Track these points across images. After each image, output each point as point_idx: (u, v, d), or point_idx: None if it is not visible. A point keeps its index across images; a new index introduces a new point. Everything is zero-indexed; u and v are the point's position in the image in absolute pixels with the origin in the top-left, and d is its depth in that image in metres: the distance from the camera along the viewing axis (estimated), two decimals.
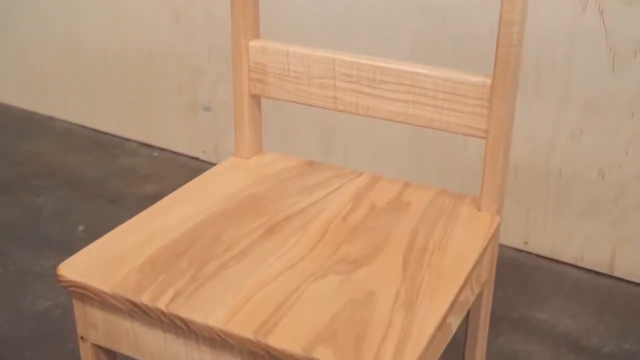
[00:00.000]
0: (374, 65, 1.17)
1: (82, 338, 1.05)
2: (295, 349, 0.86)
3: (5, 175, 2.38)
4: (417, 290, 0.97)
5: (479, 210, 1.17)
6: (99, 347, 1.05)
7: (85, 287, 0.98)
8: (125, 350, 1.02)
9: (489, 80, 1.09)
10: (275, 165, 1.29)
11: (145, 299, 0.95)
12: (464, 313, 1.10)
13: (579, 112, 1.81)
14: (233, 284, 0.97)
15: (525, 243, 1.99)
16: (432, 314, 0.93)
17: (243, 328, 0.89)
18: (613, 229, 1.87)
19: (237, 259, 1.03)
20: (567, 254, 1.95)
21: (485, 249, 1.10)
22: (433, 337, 0.91)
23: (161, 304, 0.94)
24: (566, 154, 1.86)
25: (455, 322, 1.05)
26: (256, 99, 1.29)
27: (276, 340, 0.88)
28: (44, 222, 2.11)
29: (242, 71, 1.25)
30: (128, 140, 2.63)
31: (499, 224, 1.15)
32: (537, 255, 1.99)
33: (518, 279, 1.89)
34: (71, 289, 1.00)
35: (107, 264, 1.01)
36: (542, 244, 1.97)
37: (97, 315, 1.01)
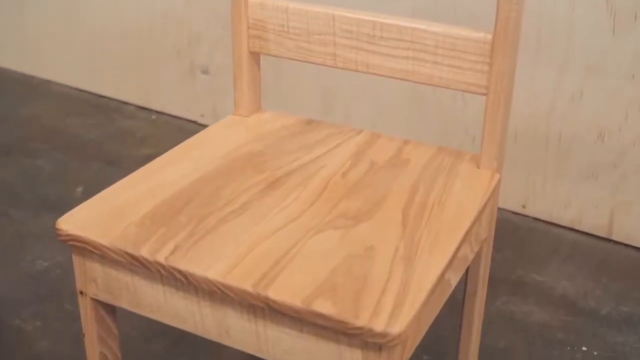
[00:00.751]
0: (374, 21, 1.16)
1: (81, 293, 1.05)
2: (295, 301, 0.87)
3: (4, 138, 2.38)
4: (416, 245, 0.97)
5: (478, 167, 1.16)
6: (98, 302, 1.05)
7: (84, 241, 0.98)
8: (124, 305, 1.02)
9: (489, 36, 1.09)
10: (275, 123, 1.29)
11: (144, 252, 0.95)
12: (463, 270, 1.10)
13: (579, 75, 1.80)
14: (232, 237, 0.97)
15: (524, 206, 1.99)
16: (431, 268, 0.93)
17: (242, 281, 0.89)
18: (612, 193, 1.87)
19: (236, 213, 1.02)
20: (566, 218, 1.95)
21: (484, 206, 1.10)
22: (432, 292, 0.91)
23: (160, 257, 0.94)
24: (566, 117, 1.85)
25: (454, 279, 1.05)
26: (255, 56, 1.28)
27: (276, 293, 0.88)
28: (43, 184, 2.11)
29: (241, 28, 1.25)
30: (126, 103, 2.62)
31: (499, 182, 1.15)
32: (536, 219, 1.99)
33: (516, 242, 1.90)
34: (70, 243, 1.00)
35: (106, 218, 1.01)
36: (541, 208, 1.97)
37: (96, 269, 1.01)
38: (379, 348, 0.85)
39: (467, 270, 1.24)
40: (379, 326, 0.83)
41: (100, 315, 1.06)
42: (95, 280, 1.02)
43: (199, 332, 0.97)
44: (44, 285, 1.70)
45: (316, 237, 0.98)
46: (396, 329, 0.83)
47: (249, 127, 1.27)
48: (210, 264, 0.92)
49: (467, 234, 1.03)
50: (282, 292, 0.88)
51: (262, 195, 1.07)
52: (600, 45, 1.75)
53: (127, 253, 0.95)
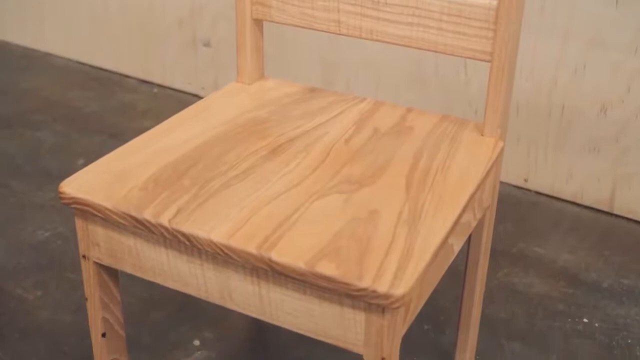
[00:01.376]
0: None
1: (84, 257, 1.05)
2: (299, 263, 0.86)
3: (4, 111, 2.37)
4: (419, 209, 0.97)
5: (482, 135, 1.16)
6: (100, 266, 1.05)
7: (87, 204, 0.98)
8: (127, 268, 1.02)
9: (494, 2, 1.08)
10: (277, 90, 1.28)
11: (147, 214, 0.94)
12: (466, 237, 1.10)
13: (582, 48, 1.80)
14: (236, 201, 0.97)
15: (525, 180, 1.99)
16: (435, 232, 0.93)
17: (246, 243, 0.89)
18: (614, 166, 1.86)
19: (239, 178, 1.02)
20: (567, 191, 1.95)
21: (487, 173, 1.09)
22: (435, 255, 0.91)
23: (164, 220, 0.93)
24: (568, 90, 1.85)
25: (457, 245, 1.05)
26: (258, 23, 1.27)
27: (279, 255, 0.88)
28: (44, 156, 2.11)
29: None
30: (127, 77, 2.62)
31: (502, 149, 1.15)
32: (537, 193, 1.99)
33: (518, 216, 1.90)
34: (73, 206, 1.00)
35: (109, 181, 1.01)
36: (542, 181, 1.97)
37: (99, 232, 1.01)
38: (382, 310, 0.85)
39: (469, 240, 1.24)
40: (382, 287, 0.83)
41: (103, 280, 1.06)
42: (98, 244, 1.02)
43: (202, 296, 0.97)
44: (45, 255, 1.70)
45: (319, 201, 0.98)
46: (400, 290, 0.83)
47: (251, 94, 1.26)
48: (214, 227, 0.92)
49: (470, 199, 1.03)
50: (286, 254, 0.88)
51: (264, 161, 1.07)
52: (603, 18, 1.75)
53: (130, 216, 0.95)
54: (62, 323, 1.50)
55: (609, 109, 1.82)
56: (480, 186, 1.07)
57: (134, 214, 0.95)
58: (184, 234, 0.92)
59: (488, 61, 1.12)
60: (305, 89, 1.29)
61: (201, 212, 0.94)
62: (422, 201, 0.99)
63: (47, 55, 2.76)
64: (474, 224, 1.12)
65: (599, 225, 1.87)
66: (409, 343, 1.47)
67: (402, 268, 0.86)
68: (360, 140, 1.13)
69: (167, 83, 2.54)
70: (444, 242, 0.94)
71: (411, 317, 0.93)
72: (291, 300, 0.90)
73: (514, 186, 2.01)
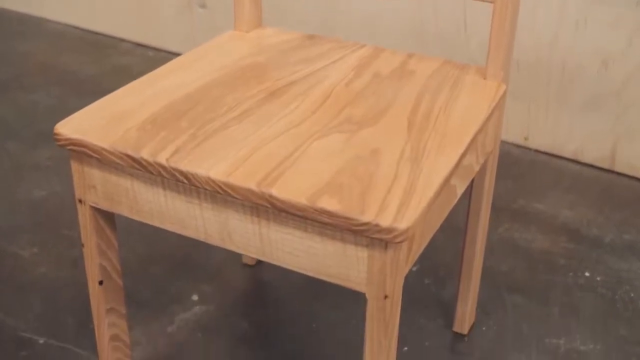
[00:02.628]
0: None
1: (80, 201, 1.03)
2: (300, 199, 0.85)
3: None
4: (422, 148, 0.95)
5: (484, 79, 1.14)
6: (97, 211, 1.03)
7: (83, 144, 0.96)
8: (124, 211, 1.00)
9: None
10: (276, 38, 1.26)
11: (145, 153, 0.93)
12: (469, 180, 1.08)
13: (582, 2, 1.77)
14: (235, 141, 0.95)
15: (526, 138, 1.97)
16: (438, 170, 0.91)
17: (246, 180, 0.88)
18: (614, 124, 1.85)
19: (238, 119, 1.00)
20: (568, 149, 1.93)
21: (490, 115, 1.08)
22: (439, 192, 0.89)
23: (161, 159, 0.92)
24: (569, 46, 1.83)
25: (460, 187, 1.03)
26: None
27: (280, 191, 0.86)
28: (39, 118, 2.09)
29: None
30: (122, 40, 2.59)
31: (505, 92, 1.13)
32: (537, 151, 1.97)
33: (518, 173, 1.88)
34: (69, 147, 0.98)
35: (106, 122, 0.99)
36: (543, 140, 1.95)
37: (95, 175, 0.99)
38: (385, 245, 0.84)
39: (470, 191, 1.23)
40: (385, 221, 0.82)
41: (100, 225, 1.05)
42: (94, 187, 1.00)
43: (201, 237, 0.95)
44: (42, 214, 1.68)
45: (320, 140, 0.96)
46: (403, 224, 0.82)
47: (249, 41, 1.24)
48: (213, 165, 0.90)
49: (473, 140, 1.01)
50: (287, 191, 0.86)
51: (263, 103, 1.05)
52: None
53: (127, 155, 0.93)
54: (58, 279, 1.49)
55: (610, 64, 1.80)
56: (483, 128, 1.05)
57: (130, 153, 0.93)
58: (182, 172, 0.90)
59: (490, 2, 1.09)
60: (303, 36, 1.27)
61: (200, 152, 0.93)
62: (424, 141, 0.97)
63: (43, 20, 2.74)
64: (476, 168, 1.10)
65: (599, 182, 1.85)
66: (409, 298, 1.45)
67: (405, 203, 0.84)
68: (360, 84, 1.11)
69: (162, 46, 2.51)
70: (447, 181, 0.92)
71: (414, 256, 0.91)
72: (292, 238, 0.89)
73: (514, 145, 1.99)
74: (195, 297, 1.44)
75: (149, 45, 2.53)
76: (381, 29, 2.06)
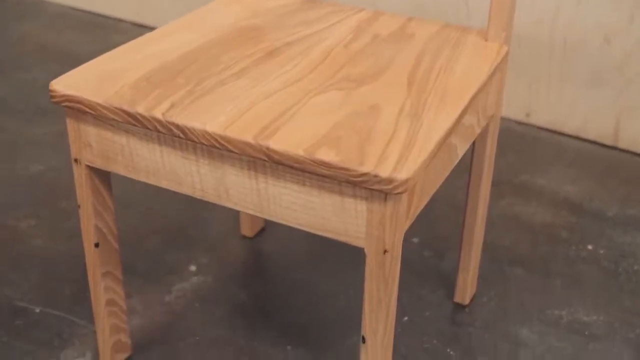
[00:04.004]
0: None
1: (75, 160, 1.01)
2: (297, 150, 0.83)
3: None
4: (422, 105, 0.94)
5: (485, 40, 1.13)
6: (93, 171, 1.02)
7: (78, 101, 0.95)
8: (120, 170, 0.98)
9: None
10: (274, 2, 1.25)
11: (140, 108, 0.91)
12: (470, 142, 1.06)
13: None
14: (232, 97, 0.94)
15: (527, 115, 1.96)
16: (438, 125, 0.90)
17: (243, 133, 0.86)
18: (617, 100, 1.83)
19: (235, 76, 0.99)
20: (570, 126, 1.91)
21: (492, 76, 1.06)
22: (438, 147, 0.88)
23: (157, 113, 0.90)
24: (571, 21, 1.81)
25: (460, 147, 1.02)
26: None
27: (277, 143, 0.84)
28: (36, 94, 2.07)
29: None
30: (121, 20, 2.57)
31: (507, 54, 1.12)
32: (539, 128, 1.96)
33: (519, 149, 1.86)
34: (64, 104, 0.97)
35: (101, 79, 0.98)
36: (545, 116, 1.94)
37: (91, 132, 0.98)
38: (384, 197, 0.82)
39: (471, 159, 1.21)
40: (384, 172, 0.80)
41: (95, 185, 1.03)
42: (90, 145, 0.99)
43: (197, 194, 0.94)
44: (39, 188, 1.66)
45: (318, 96, 0.95)
46: (402, 174, 0.80)
47: (246, 4, 1.23)
48: (210, 119, 0.89)
49: (474, 99, 0.99)
50: (284, 143, 0.84)
51: (261, 62, 1.03)
52: None
53: (122, 110, 0.92)
54: (55, 250, 1.47)
55: (612, 40, 1.78)
56: (484, 88, 1.03)
57: (126, 108, 0.92)
58: (178, 126, 0.89)
59: None
60: (301, 0, 1.25)
61: (196, 106, 0.91)
62: (424, 98, 0.95)
63: (42, 2, 2.72)
64: (477, 130, 1.09)
65: (602, 158, 1.84)
66: (409, 269, 1.44)
67: (404, 155, 0.83)
68: (359, 45, 1.10)
69: (160, 26, 2.49)
70: (447, 137, 0.91)
71: (414, 212, 0.89)
72: (290, 193, 0.87)
73: (516, 121, 1.97)
74: (193, 268, 1.43)
75: (147, 25, 2.52)
76: (380, 5, 2.04)
